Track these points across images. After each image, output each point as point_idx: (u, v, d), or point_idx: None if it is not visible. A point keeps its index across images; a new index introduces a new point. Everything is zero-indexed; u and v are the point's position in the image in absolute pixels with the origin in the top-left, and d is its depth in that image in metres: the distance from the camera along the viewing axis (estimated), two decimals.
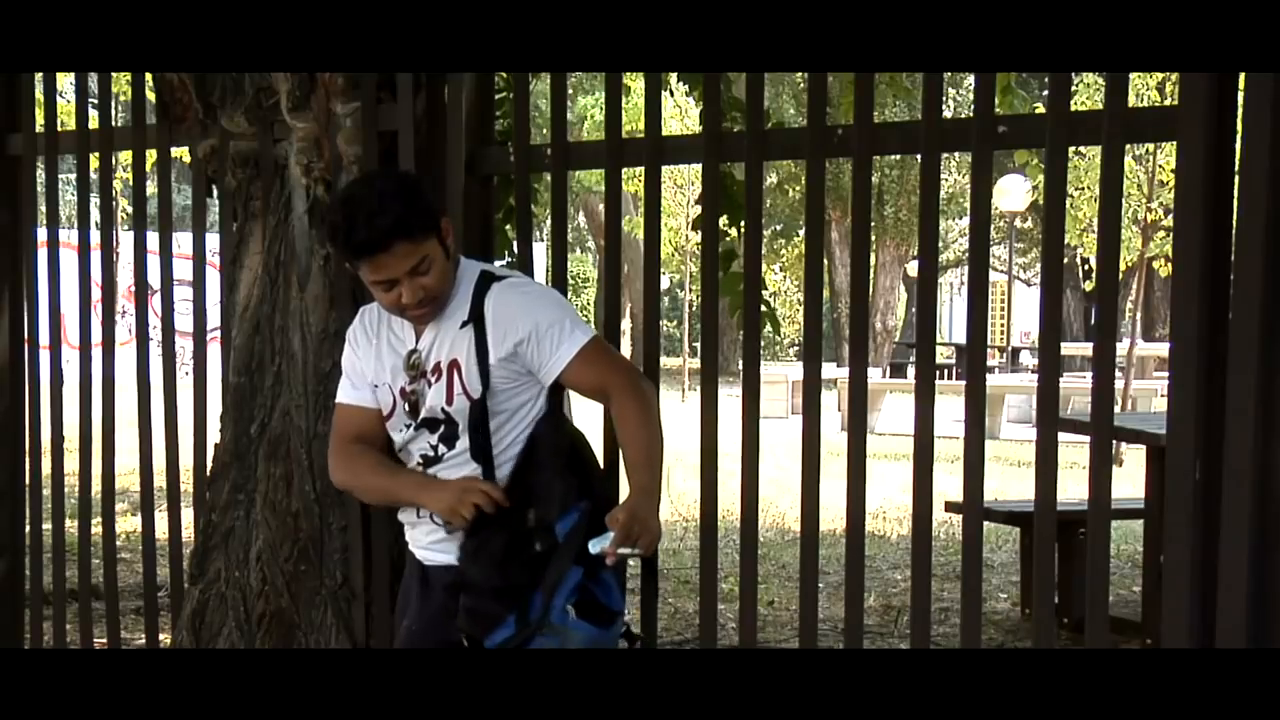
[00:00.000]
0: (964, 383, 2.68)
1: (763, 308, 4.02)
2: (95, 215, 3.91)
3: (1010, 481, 9.28)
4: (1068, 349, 16.88)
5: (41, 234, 4.00)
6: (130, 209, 4.05)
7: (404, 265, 2.49)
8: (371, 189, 2.55)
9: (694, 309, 21.76)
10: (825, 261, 11.88)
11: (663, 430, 2.67)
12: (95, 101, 3.89)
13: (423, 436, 2.66)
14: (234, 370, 3.50)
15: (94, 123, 3.86)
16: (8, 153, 3.98)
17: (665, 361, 20.29)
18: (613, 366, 2.66)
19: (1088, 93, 10.70)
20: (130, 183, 3.93)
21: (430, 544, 2.69)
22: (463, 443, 2.62)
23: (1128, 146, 2.92)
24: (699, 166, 2.98)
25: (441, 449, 2.64)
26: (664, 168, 3.12)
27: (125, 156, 4.47)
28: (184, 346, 4.57)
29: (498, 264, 3.38)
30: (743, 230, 3.35)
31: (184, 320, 3.69)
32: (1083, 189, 11.47)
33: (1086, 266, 22.50)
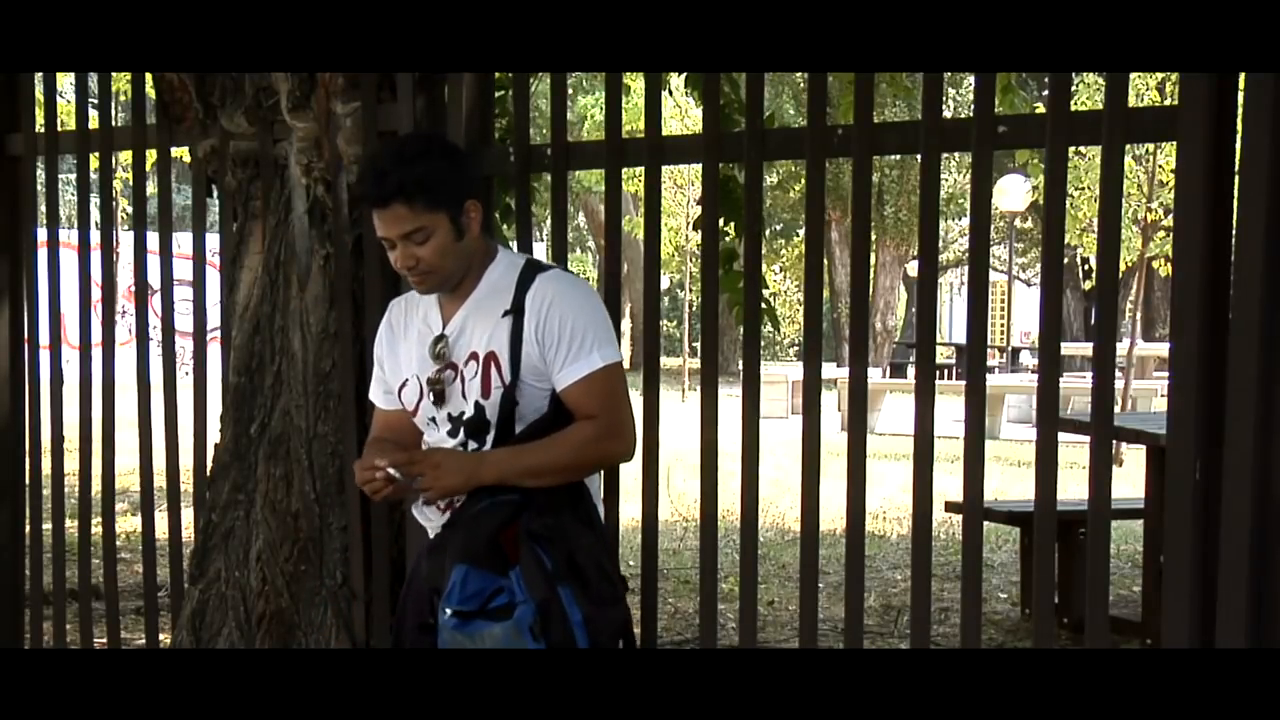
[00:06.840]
0: (964, 383, 2.68)
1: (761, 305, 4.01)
2: (95, 215, 3.91)
3: (1010, 481, 9.29)
4: (1068, 349, 16.87)
5: (41, 234, 4.00)
6: (130, 209, 4.05)
7: (398, 229, 2.49)
8: (401, 145, 2.61)
9: (694, 309, 21.75)
10: (825, 261, 11.84)
11: (587, 480, 2.59)
12: (95, 101, 3.89)
13: (449, 432, 2.61)
14: (234, 370, 3.50)
15: (94, 123, 3.86)
16: (8, 153, 3.98)
17: (665, 361, 20.29)
18: (610, 403, 2.56)
19: (1088, 93, 10.71)
20: (130, 183, 3.93)
21: (441, 524, 2.64)
22: (490, 437, 2.56)
23: (1128, 146, 2.91)
24: (699, 166, 2.98)
25: (471, 445, 2.58)
26: (664, 168, 3.12)
27: (125, 156, 4.47)
28: (184, 346, 4.59)
29: None
30: (742, 230, 3.35)
31: (184, 320, 3.70)
32: (1083, 189, 11.48)
33: (1086, 266, 22.52)
